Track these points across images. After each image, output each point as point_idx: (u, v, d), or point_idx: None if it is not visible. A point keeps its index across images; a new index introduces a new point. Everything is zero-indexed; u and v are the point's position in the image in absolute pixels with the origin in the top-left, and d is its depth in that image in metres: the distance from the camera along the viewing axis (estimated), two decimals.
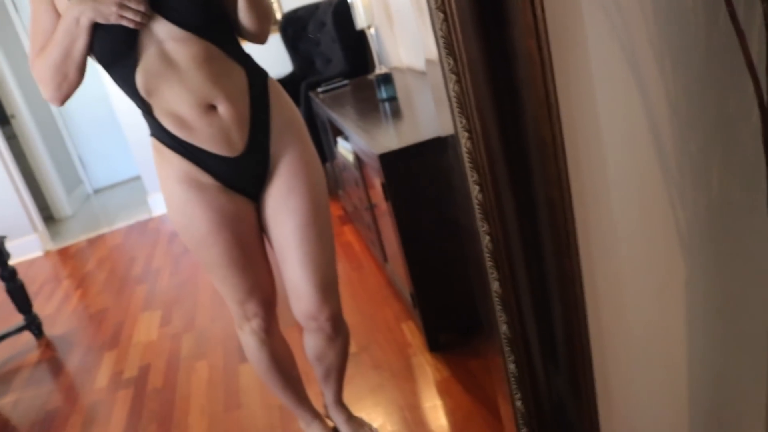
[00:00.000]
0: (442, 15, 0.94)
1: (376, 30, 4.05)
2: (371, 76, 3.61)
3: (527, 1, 0.95)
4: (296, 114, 1.65)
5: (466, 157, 1.02)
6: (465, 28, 0.96)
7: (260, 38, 1.58)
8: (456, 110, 0.99)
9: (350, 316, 2.80)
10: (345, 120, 2.85)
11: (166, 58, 1.43)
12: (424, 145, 2.14)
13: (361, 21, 3.51)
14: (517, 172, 1.07)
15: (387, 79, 2.96)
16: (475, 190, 1.05)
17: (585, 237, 1.19)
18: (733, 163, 1.27)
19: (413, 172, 2.16)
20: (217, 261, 1.63)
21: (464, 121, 0.99)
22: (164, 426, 2.45)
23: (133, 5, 1.34)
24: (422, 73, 3.31)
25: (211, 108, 1.48)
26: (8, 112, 5.86)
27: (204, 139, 1.50)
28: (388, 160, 2.11)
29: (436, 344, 2.38)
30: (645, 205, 1.26)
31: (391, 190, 2.15)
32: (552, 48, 1.01)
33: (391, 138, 2.34)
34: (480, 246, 1.10)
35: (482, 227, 1.11)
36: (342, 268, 3.30)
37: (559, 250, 1.10)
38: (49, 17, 1.44)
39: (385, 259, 2.83)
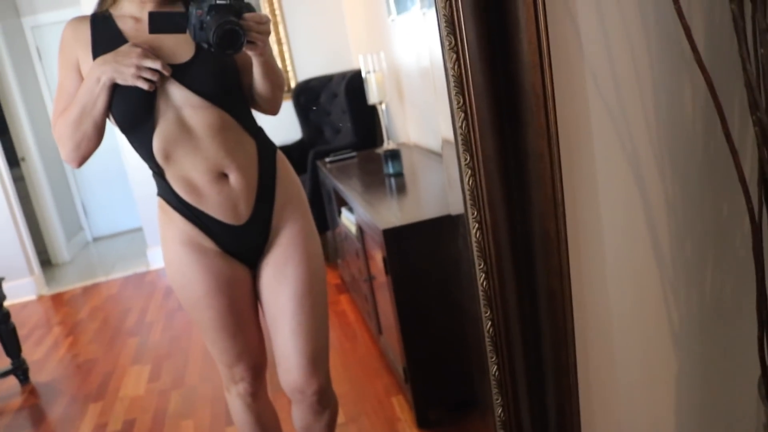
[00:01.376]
0: (462, 114, 1.02)
1: (387, 106, 4.18)
2: (379, 150, 3.70)
3: (541, 105, 1.03)
4: (300, 189, 1.71)
5: (474, 246, 1.08)
6: (483, 127, 1.03)
7: (273, 109, 1.66)
8: (469, 202, 1.06)
9: (340, 385, 2.80)
10: (350, 192, 2.92)
11: (182, 125, 1.50)
12: (426, 223, 2.21)
13: (373, 96, 3.63)
14: (521, 263, 1.12)
15: (395, 155, 3.05)
16: (480, 278, 1.10)
17: (582, 328, 1.24)
18: (725, 267, 1.33)
19: (414, 248, 2.21)
20: (210, 324, 1.67)
21: (476, 213, 1.05)
22: None
23: (150, 64, 1.42)
24: (429, 151, 3.41)
25: (223, 176, 1.54)
26: (19, 154, 5.96)
27: (212, 205, 1.56)
28: (391, 235, 2.17)
29: (425, 420, 2.38)
30: (640, 300, 1.31)
31: (392, 264, 2.20)
32: (561, 148, 1.08)
33: (395, 213, 2.40)
34: (482, 330, 1.15)
35: (485, 313, 1.16)
36: (335, 337, 3.32)
37: (557, 340, 1.15)
38: (74, 82, 1.52)
39: (380, 331, 2.85)
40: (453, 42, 1.01)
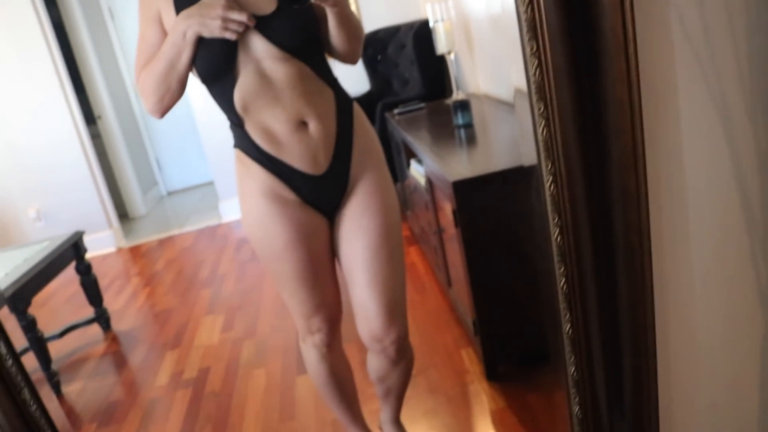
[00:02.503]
0: (536, 61, 0.96)
1: (456, 55, 4.08)
2: (448, 101, 3.63)
3: (621, 51, 0.95)
4: (376, 140, 1.70)
5: (549, 200, 1.03)
6: (558, 75, 0.97)
7: (351, 59, 1.63)
8: (543, 154, 1.00)
9: (410, 337, 2.80)
10: (419, 143, 2.88)
11: (263, 76, 1.49)
12: (497, 175, 2.15)
13: (441, 46, 3.54)
14: (597, 218, 1.06)
15: (464, 105, 2.98)
16: (555, 233, 1.06)
17: (661, 286, 1.18)
18: None
19: (484, 200, 2.16)
20: (289, 275, 1.67)
21: (550, 165, 1.00)
22: (219, 429, 2.50)
23: (236, 17, 1.40)
24: (499, 102, 3.32)
25: (302, 125, 1.53)
26: (95, 112, 6.13)
27: (292, 155, 1.55)
28: (461, 187, 2.13)
29: (494, 373, 2.36)
30: (725, 257, 1.24)
31: (461, 216, 2.16)
32: (642, 96, 1.01)
33: (464, 165, 2.35)
34: (555, 287, 1.10)
35: (559, 269, 1.11)
36: (407, 290, 3.31)
37: (634, 298, 1.09)
38: (156, 34, 1.52)
39: (449, 283, 2.83)
40: (533, 33, 0.95)
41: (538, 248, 1.17)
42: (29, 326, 2.97)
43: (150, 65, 1.52)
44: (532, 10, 0.95)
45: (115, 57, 6.72)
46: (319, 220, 1.66)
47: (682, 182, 1.15)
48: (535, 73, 0.97)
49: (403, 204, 4.03)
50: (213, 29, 1.41)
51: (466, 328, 2.63)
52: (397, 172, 4.09)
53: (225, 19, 1.40)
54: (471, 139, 2.77)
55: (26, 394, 1.19)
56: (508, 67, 1.28)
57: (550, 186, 1.03)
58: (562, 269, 1.12)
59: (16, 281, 2.96)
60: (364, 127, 1.66)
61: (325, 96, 1.57)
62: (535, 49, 0.96)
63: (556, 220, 1.07)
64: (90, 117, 6.04)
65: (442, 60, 4.14)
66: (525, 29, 0.96)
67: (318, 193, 1.61)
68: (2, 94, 5.09)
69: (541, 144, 1.00)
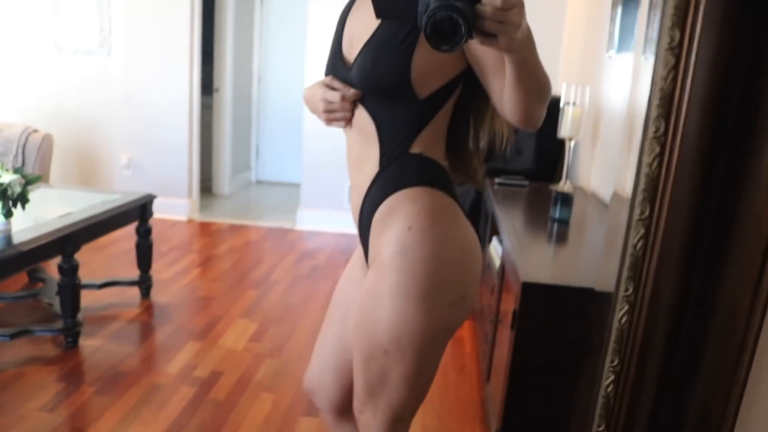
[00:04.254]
0: (643, 230, 0.75)
1: (577, 144, 3.87)
2: (552, 187, 3.43)
3: (759, 249, 0.72)
4: (404, 255, 1.27)
5: (600, 402, 0.81)
6: (663, 265, 0.75)
7: (524, 121, 1.21)
8: (612, 346, 0.79)
9: (429, 416, 2.60)
10: (506, 224, 2.69)
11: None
12: (573, 290, 1.93)
13: (564, 130, 3.35)
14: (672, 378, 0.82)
15: (566, 200, 2.76)
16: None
17: None
18: None
19: (550, 311, 1.95)
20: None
21: (616, 361, 0.78)
22: None
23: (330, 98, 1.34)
24: (605, 205, 3.09)
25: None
26: (215, 84, 6.22)
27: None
28: (530, 290, 1.92)
29: None
30: None
31: (520, 321, 1.95)
32: None
33: (543, 267, 2.14)
34: None
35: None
36: (443, 362, 3.10)
37: None
38: None
39: (489, 377, 2.61)
40: (661, 128, 0.74)
41: (582, 391, 0.95)
42: (69, 270, 2.93)
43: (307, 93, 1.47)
44: (659, 165, 0.73)
45: (251, 40, 6.83)
46: None
47: None
48: (636, 244, 0.76)
49: None
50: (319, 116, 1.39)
51: (488, 431, 2.39)
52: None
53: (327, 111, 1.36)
54: (561, 238, 2.56)
55: None
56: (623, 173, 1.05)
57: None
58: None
59: (72, 224, 2.94)
60: (391, 228, 1.30)
61: (369, 163, 1.36)
62: (645, 215, 0.75)
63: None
64: (209, 88, 6.14)
65: (561, 144, 3.94)
66: (640, 188, 0.75)
67: None
68: (134, 44, 5.23)
69: (613, 333, 0.79)
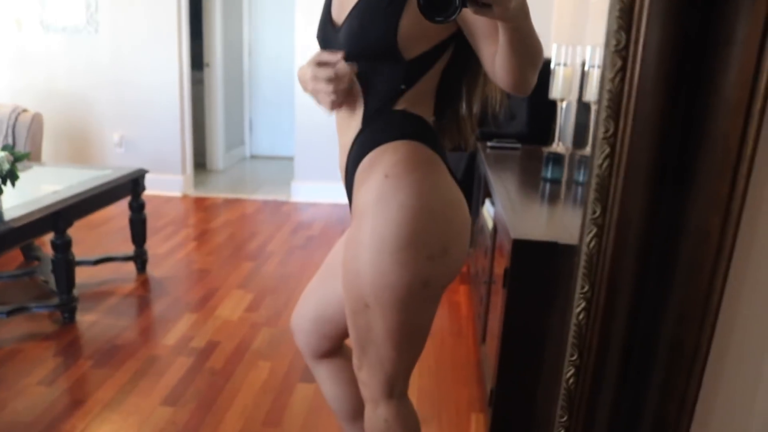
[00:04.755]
0: (607, 149, 0.73)
1: (569, 105, 3.84)
2: (545, 149, 3.41)
3: (729, 166, 0.71)
4: (380, 206, 1.27)
5: (572, 329, 0.81)
6: (630, 177, 0.74)
7: (517, 87, 1.20)
8: (582, 271, 0.78)
9: (426, 378, 2.62)
10: (498, 186, 2.68)
11: None
12: (564, 247, 1.92)
13: (555, 91, 3.32)
14: (627, 366, 0.82)
15: (557, 159, 2.76)
16: (569, 373, 0.83)
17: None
18: None
19: (543, 269, 1.94)
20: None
21: (586, 287, 0.78)
22: (202, 409, 2.38)
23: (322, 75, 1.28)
24: None
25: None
26: (205, 59, 6.17)
27: None
28: (521, 247, 1.91)
29: None
30: None
31: (512, 277, 1.95)
32: (740, 231, 0.76)
33: (534, 226, 2.14)
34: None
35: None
36: (440, 327, 3.12)
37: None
38: None
39: (484, 339, 2.62)
40: (622, 41, 0.72)
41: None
42: (62, 246, 2.92)
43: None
44: (622, 80, 0.72)
45: (241, 14, 6.77)
46: None
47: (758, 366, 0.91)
48: (602, 164, 0.75)
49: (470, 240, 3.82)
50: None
51: (484, 392, 2.41)
52: (472, 207, 3.89)
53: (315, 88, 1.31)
54: (553, 198, 2.55)
55: None
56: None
57: (579, 313, 0.80)
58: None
59: (63, 200, 2.93)
60: (368, 181, 1.31)
61: (355, 118, 1.36)
62: (610, 132, 0.73)
63: (574, 358, 0.84)
64: (199, 63, 6.10)
65: (553, 107, 3.91)
66: (605, 102, 0.73)
67: None
68: (121, 21, 5.18)
69: (582, 258, 0.78)
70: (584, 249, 0.78)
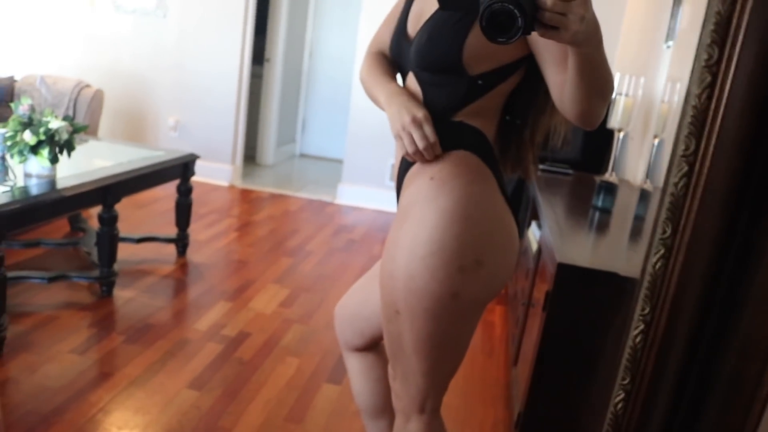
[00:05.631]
0: (685, 168, 0.69)
1: (626, 136, 3.78)
2: (597, 177, 3.36)
3: None
4: (428, 198, 1.25)
5: (627, 352, 0.77)
6: (706, 205, 0.69)
7: (581, 119, 1.15)
8: (644, 293, 0.74)
9: (453, 396, 2.57)
10: (547, 209, 2.63)
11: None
12: (609, 275, 1.88)
13: (614, 121, 3.27)
14: (680, 396, 0.78)
15: (610, 188, 2.70)
16: (618, 397, 0.80)
17: None
18: None
19: (584, 295, 1.90)
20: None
21: (647, 309, 0.74)
22: (227, 397, 2.38)
23: (415, 137, 1.26)
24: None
25: None
26: (267, 55, 6.24)
27: None
28: (565, 271, 1.87)
29: None
30: None
31: (553, 302, 1.91)
32: None
33: (581, 252, 2.09)
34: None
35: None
36: (471, 345, 3.07)
37: None
38: (386, 30, 1.45)
39: (516, 361, 2.57)
40: (714, 56, 0.68)
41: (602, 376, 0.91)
42: (108, 220, 2.97)
43: (369, 78, 1.44)
44: (709, 97, 0.68)
45: (306, 13, 6.83)
46: None
47: None
48: (678, 183, 0.71)
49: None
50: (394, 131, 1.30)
51: (511, 414, 2.36)
52: (518, 228, 3.84)
53: (403, 133, 1.28)
54: (602, 227, 2.50)
55: None
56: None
57: (636, 338, 0.76)
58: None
59: (113, 175, 2.98)
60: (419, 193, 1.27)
61: None
62: (690, 151, 0.70)
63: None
64: (260, 57, 6.17)
65: (610, 136, 3.85)
66: (687, 120, 0.70)
67: None
68: (189, 9, 5.27)
69: (647, 276, 0.75)
70: (649, 269, 0.75)
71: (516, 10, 0.90)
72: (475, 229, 1.22)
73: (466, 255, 1.21)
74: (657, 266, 0.74)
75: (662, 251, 0.73)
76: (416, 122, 1.25)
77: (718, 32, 0.67)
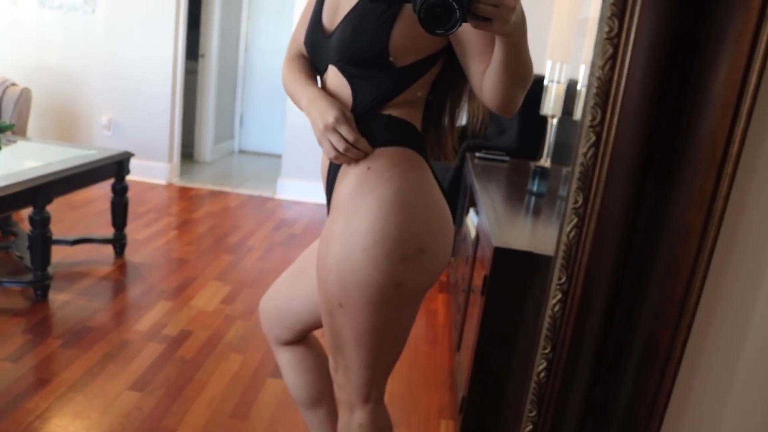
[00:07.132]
0: (593, 138, 0.73)
1: (559, 122, 3.87)
2: (533, 163, 3.43)
3: (714, 165, 0.71)
4: (360, 187, 1.26)
5: (547, 322, 0.80)
6: (614, 169, 0.73)
7: (503, 107, 1.19)
8: (560, 262, 0.77)
9: (398, 384, 2.60)
10: (483, 195, 2.68)
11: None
12: (545, 258, 1.92)
13: (547, 107, 3.34)
14: (600, 362, 0.82)
15: (543, 173, 2.76)
16: (540, 366, 0.83)
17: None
18: None
19: (521, 278, 1.94)
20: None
21: (563, 278, 0.77)
22: (170, 397, 2.35)
23: (335, 138, 1.25)
24: None
25: None
26: (200, 50, 6.15)
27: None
28: (502, 255, 1.91)
29: None
30: None
31: (491, 286, 1.95)
32: (722, 231, 0.76)
33: (517, 236, 2.14)
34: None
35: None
36: (415, 334, 3.11)
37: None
38: (302, 30, 1.43)
39: (459, 347, 2.61)
40: (615, 28, 0.71)
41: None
42: (40, 222, 2.89)
43: (289, 78, 1.42)
44: (612, 71, 0.72)
45: (240, 7, 6.75)
46: None
47: (730, 373, 0.91)
48: (587, 153, 0.74)
49: (451, 249, 3.82)
50: (316, 133, 1.29)
51: (455, 399, 2.40)
52: (456, 216, 3.89)
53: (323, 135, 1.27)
54: (537, 211, 2.55)
55: None
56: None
57: (554, 305, 0.79)
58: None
59: (44, 175, 2.90)
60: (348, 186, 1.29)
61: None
62: (597, 121, 0.73)
63: (547, 351, 0.83)
64: (194, 53, 6.07)
65: (543, 121, 3.93)
66: (592, 92, 0.73)
67: None
68: (119, 3, 5.14)
69: (561, 247, 0.77)
70: (563, 239, 0.78)
71: (453, 2, 0.92)
72: (416, 217, 1.23)
73: (408, 244, 1.22)
74: (571, 236, 0.77)
75: (575, 221, 0.76)
76: (330, 127, 1.24)
77: (618, 5, 0.70)
